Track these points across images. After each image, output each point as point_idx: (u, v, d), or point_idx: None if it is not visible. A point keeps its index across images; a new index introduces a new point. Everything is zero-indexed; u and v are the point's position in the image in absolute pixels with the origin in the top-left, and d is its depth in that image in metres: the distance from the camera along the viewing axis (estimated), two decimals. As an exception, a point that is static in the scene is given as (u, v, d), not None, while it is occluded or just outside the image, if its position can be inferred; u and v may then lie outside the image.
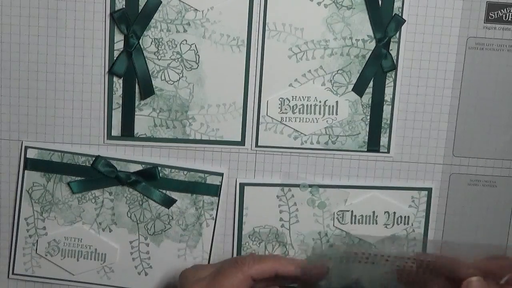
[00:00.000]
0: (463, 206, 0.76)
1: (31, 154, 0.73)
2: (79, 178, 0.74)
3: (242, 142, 0.74)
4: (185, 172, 0.74)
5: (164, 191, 0.74)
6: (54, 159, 0.73)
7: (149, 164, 0.74)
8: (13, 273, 0.76)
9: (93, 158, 0.73)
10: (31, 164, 0.74)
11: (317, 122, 0.73)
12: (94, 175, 0.74)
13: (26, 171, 0.74)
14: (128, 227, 0.75)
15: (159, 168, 0.74)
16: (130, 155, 0.74)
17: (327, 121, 0.73)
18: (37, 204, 0.75)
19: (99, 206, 0.75)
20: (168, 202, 0.74)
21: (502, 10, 0.72)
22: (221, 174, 0.74)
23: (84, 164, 0.74)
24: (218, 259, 0.76)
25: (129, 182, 0.73)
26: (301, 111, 0.73)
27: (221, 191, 0.75)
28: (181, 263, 0.76)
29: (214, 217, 0.75)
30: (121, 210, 0.75)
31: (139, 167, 0.74)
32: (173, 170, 0.74)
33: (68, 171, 0.74)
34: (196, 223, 0.75)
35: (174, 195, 0.74)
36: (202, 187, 0.74)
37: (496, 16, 0.72)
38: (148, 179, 0.74)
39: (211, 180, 0.74)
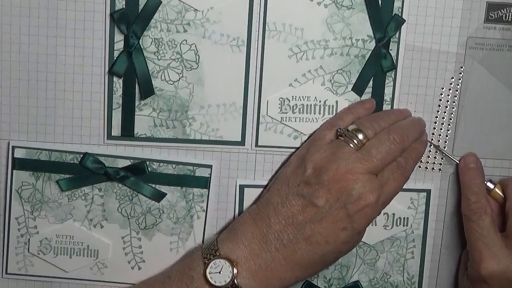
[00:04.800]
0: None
1: (19, 153, 0.73)
2: (68, 176, 0.74)
3: (242, 142, 0.74)
4: (174, 166, 0.74)
5: (153, 185, 0.74)
6: (42, 157, 0.73)
7: (137, 159, 0.74)
8: (6, 273, 0.76)
9: (81, 155, 0.73)
10: (19, 164, 0.74)
11: (317, 122, 0.73)
12: (83, 172, 0.74)
13: (14, 171, 0.74)
14: (119, 222, 0.75)
15: (147, 163, 0.74)
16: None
17: (327, 121, 0.73)
18: (27, 203, 0.74)
19: (89, 202, 0.75)
20: (158, 196, 0.74)
21: (502, 10, 0.72)
22: (210, 166, 0.74)
23: (72, 162, 0.73)
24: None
25: (118, 178, 0.73)
26: (301, 111, 0.73)
27: (212, 186, 0.75)
28: (173, 256, 0.76)
29: (205, 209, 0.75)
30: (111, 206, 0.75)
31: (127, 162, 0.74)
32: (161, 164, 0.74)
33: (57, 169, 0.74)
34: (187, 215, 0.75)
35: (163, 188, 0.74)
36: (191, 180, 0.74)
37: (496, 16, 0.72)
38: (137, 174, 0.74)
39: (200, 172, 0.74)
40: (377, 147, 0.66)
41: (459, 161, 0.74)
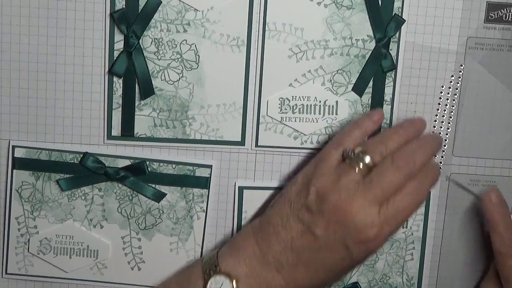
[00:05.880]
0: (463, 206, 0.76)
1: (19, 153, 0.73)
2: (68, 176, 0.74)
3: (242, 142, 0.74)
4: (174, 166, 0.74)
5: (153, 185, 0.74)
6: (42, 157, 0.73)
7: (137, 159, 0.74)
8: (6, 273, 0.76)
9: (81, 155, 0.73)
10: (19, 164, 0.73)
11: (317, 122, 0.73)
12: (83, 172, 0.74)
13: (14, 171, 0.74)
14: (119, 222, 0.75)
15: (147, 163, 0.73)
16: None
17: (327, 121, 0.73)
18: (27, 203, 0.74)
19: (89, 202, 0.74)
20: (158, 196, 0.74)
21: (502, 10, 0.72)
22: (210, 167, 0.74)
23: (72, 162, 0.73)
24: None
25: (118, 178, 0.73)
26: (301, 111, 0.73)
27: (212, 186, 0.75)
28: (173, 257, 0.76)
29: (205, 210, 0.75)
30: (111, 206, 0.75)
31: (127, 162, 0.74)
32: (161, 164, 0.74)
33: (57, 169, 0.74)
34: (187, 216, 0.75)
35: (163, 189, 0.74)
36: (192, 180, 0.74)
37: (496, 16, 0.72)
38: (137, 174, 0.73)
39: (200, 172, 0.74)
40: (379, 176, 0.63)
41: (480, 196, 0.72)
